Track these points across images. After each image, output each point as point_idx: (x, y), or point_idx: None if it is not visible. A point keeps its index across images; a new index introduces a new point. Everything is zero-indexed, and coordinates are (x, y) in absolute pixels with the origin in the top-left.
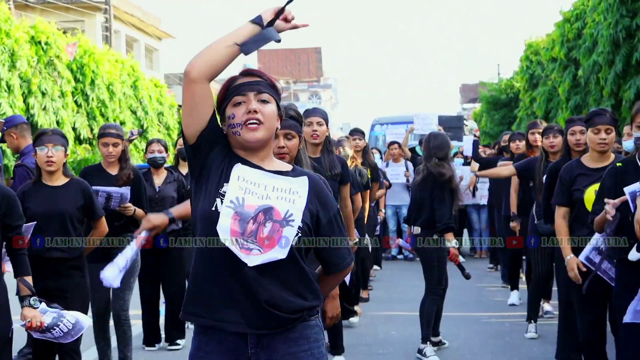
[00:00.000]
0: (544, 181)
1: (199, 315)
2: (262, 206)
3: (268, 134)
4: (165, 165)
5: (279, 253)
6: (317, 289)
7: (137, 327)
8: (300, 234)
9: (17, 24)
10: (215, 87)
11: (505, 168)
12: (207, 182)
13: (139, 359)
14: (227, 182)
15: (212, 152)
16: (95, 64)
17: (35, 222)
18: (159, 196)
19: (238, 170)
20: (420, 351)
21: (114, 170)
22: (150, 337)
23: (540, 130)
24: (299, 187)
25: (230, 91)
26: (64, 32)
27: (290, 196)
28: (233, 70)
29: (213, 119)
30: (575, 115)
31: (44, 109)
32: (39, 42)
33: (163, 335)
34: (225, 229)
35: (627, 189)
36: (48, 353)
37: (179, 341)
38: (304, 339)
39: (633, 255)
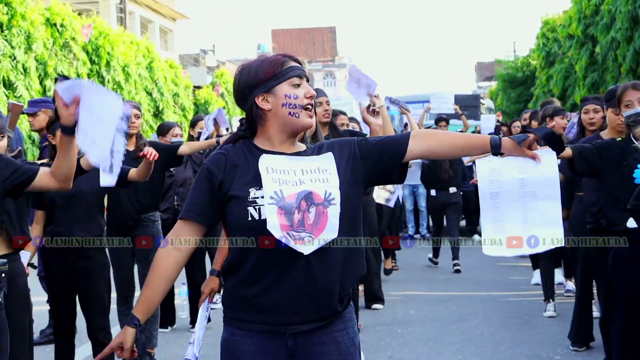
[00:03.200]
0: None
1: (252, 321)
2: (301, 193)
3: None
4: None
5: (331, 233)
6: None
7: None
8: (342, 210)
9: (33, 7)
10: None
11: None
12: (233, 196)
13: (160, 341)
14: (258, 186)
15: (219, 190)
16: (111, 45)
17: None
18: (179, 178)
19: (264, 161)
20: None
21: (130, 147)
22: (163, 319)
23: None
24: (325, 163)
25: (285, 71)
26: (79, 14)
27: (322, 175)
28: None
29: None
30: (590, 95)
31: None
32: (55, 25)
33: (185, 317)
34: (276, 226)
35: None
36: (68, 332)
37: None
38: (340, 318)
39: (631, 223)
